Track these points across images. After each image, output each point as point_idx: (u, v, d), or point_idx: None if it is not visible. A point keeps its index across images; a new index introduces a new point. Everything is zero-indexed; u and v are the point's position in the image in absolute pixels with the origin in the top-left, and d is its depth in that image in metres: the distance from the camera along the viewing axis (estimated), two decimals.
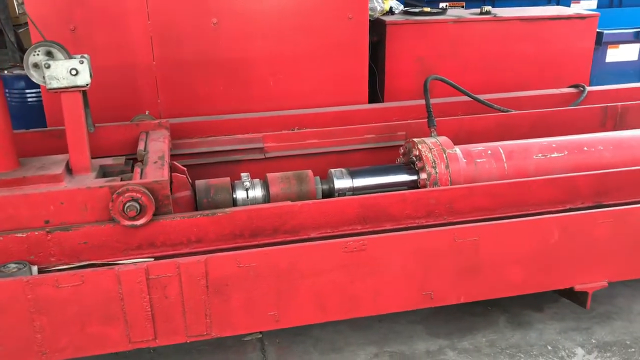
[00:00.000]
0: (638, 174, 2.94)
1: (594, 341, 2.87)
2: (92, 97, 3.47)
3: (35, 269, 2.47)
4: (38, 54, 2.77)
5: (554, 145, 3.32)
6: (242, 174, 3.04)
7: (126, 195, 2.54)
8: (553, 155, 3.28)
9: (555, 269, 2.67)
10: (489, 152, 3.25)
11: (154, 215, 2.49)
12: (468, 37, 4.71)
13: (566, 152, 3.30)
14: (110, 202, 2.54)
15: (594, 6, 6.58)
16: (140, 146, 3.25)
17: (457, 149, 3.17)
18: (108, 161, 3.15)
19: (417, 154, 3.13)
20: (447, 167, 3.07)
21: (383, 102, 4.63)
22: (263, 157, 3.64)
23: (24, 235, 2.48)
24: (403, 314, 2.99)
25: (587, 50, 4.93)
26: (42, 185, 2.73)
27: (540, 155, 3.28)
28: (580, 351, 2.80)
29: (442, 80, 3.73)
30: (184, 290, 2.34)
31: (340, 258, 2.45)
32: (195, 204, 2.90)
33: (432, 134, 3.41)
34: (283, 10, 3.97)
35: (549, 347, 2.83)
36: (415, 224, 2.79)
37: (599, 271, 2.71)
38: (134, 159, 3.23)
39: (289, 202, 2.73)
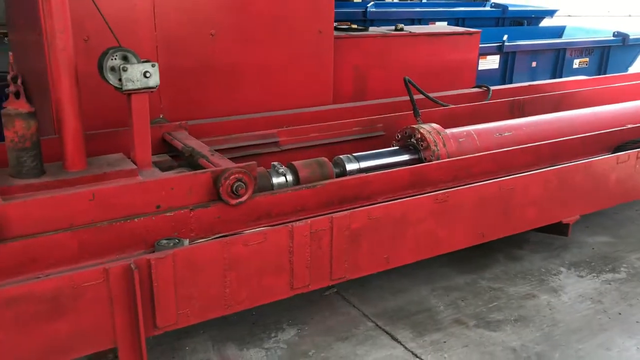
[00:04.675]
0: (578, 141, 4.08)
1: (567, 262, 3.95)
2: (101, 102, 3.75)
3: (187, 242, 2.81)
4: (115, 59, 3.06)
5: (504, 127, 4.37)
6: (273, 163, 3.56)
7: (232, 177, 2.97)
8: (506, 134, 4.32)
9: (551, 207, 3.67)
10: (465, 133, 4.18)
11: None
12: (390, 49, 5.65)
13: (513, 132, 4.37)
14: (219, 183, 2.94)
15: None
16: (178, 144, 3.62)
17: (447, 132, 4.05)
18: (153, 158, 3.48)
19: (419, 136, 3.93)
20: (444, 145, 3.93)
21: None
22: (279, 149, 4.16)
23: (172, 214, 2.81)
24: (432, 261, 3.75)
25: (473, 60, 6.19)
26: (121, 179, 3.03)
27: (498, 134, 4.30)
28: (563, 269, 3.86)
29: (409, 81, 4.59)
30: (333, 240, 2.88)
31: (432, 207, 3.17)
32: None
33: (419, 122, 4.27)
34: (269, 23, 4.54)
35: (543, 270, 3.84)
36: (445, 187, 3.61)
37: (575, 208, 3.79)
38: (173, 156, 3.60)
39: (364, 174, 3.38)
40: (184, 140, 3.64)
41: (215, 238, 2.83)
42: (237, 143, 4.05)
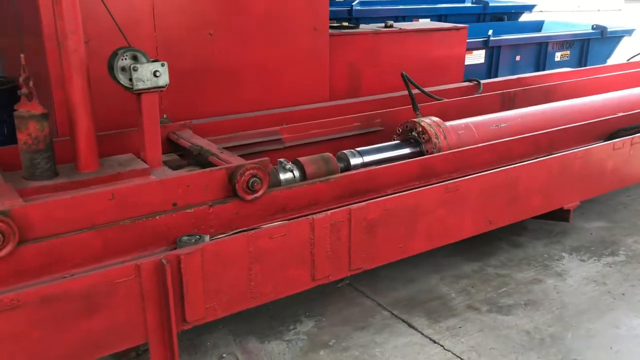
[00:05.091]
0: (574, 130, 4.20)
1: (568, 248, 4.06)
2: (104, 102, 3.75)
3: (207, 237, 2.84)
4: (126, 59, 3.08)
5: (500, 118, 4.48)
6: (280, 160, 3.60)
7: (247, 173, 3.01)
8: (502, 125, 4.43)
9: (554, 194, 3.78)
10: (463, 125, 4.27)
11: None
12: (381, 46, 5.73)
13: (508, 123, 4.48)
14: (234, 180, 2.98)
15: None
16: (185, 143, 3.64)
17: (447, 124, 4.14)
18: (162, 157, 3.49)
19: (421, 129, 4.01)
20: (445, 137, 4.01)
21: None
22: (282, 146, 4.20)
23: (192, 211, 2.84)
24: (437, 251, 3.82)
25: (461, 55, 6.30)
26: (134, 179, 3.06)
27: (494, 126, 4.40)
28: (565, 254, 3.97)
29: (406, 76, 4.67)
30: (352, 231, 2.94)
31: (443, 197, 3.25)
32: None
33: (418, 115, 4.34)
34: (266, 22, 4.58)
35: (546, 255, 3.95)
36: (449, 178, 3.69)
37: (575, 194, 3.90)
38: (180, 155, 3.63)
39: (375, 167, 3.44)
40: (190, 139, 3.67)
41: (234, 233, 2.87)
42: (241, 141, 4.08)
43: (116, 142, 3.50)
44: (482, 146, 3.85)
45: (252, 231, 2.68)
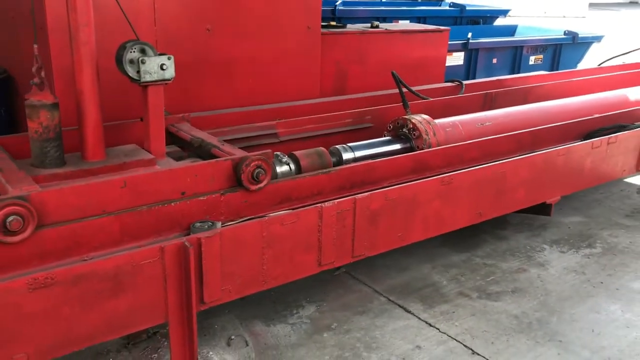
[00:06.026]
0: (556, 129, 4.44)
1: (548, 240, 4.30)
2: (104, 96, 3.84)
3: (219, 224, 2.97)
4: (134, 51, 3.19)
5: (484, 117, 4.69)
6: (276, 153, 3.74)
7: (252, 164, 3.14)
8: (487, 124, 4.65)
9: (537, 189, 4.01)
10: (451, 123, 4.48)
11: None
12: (367, 45, 5.90)
13: (492, 122, 4.70)
14: (240, 170, 3.10)
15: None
16: (185, 136, 3.76)
17: (436, 122, 4.33)
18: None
19: (412, 126, 4.19)
20: (434, 134, 4.21)
21: None
22: (277, 140, 4.34)
23: (205, 199, 2.97)
24: (428, 242, 4.00)
25: (443, 56, 6.52)
26: (140, 169, 3.18)
27: (479, 124, 4.62)
28: (546, 246, 4.21)
29: (396, 75, 4.85)
30: (356, 220, 3.10)
31: (438, 189, 3.44)
32: None
33: (409, 113, 4.53)
34: (262, 19, 4.71)
35: (528, 247, 4.18)
36: (441, 172, 3.88)
37: (557, 189, 4.14)
38: (180, 147, 3.75)
39: (372, 160, 3.61)
40: (190, 131, 3.77)
41: (243, 220, 2.99)
42: (237, 134, 4.20)
43: (116, 133, 3.59)
44: (470, 143, 4.05)
45: (266, 217, 2.82)
